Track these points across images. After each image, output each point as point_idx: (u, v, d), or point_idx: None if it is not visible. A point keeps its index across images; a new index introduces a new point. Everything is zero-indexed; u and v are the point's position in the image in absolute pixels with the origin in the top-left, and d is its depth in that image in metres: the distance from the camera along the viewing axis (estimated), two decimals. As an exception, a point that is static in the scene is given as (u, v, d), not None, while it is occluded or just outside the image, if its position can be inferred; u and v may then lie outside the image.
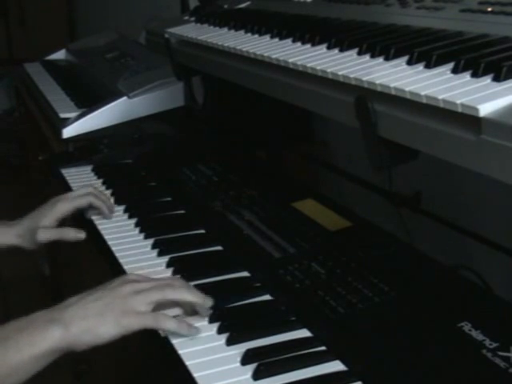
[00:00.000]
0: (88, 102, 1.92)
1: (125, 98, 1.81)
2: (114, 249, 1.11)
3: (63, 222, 1.21)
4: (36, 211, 1.19)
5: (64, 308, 0.85)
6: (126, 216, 1.24)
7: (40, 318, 0.83)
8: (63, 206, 1.19)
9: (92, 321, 0.83)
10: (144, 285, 0.88)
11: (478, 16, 0.88)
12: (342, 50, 0.90)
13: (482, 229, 1.20)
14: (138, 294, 0.86)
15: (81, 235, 1.16)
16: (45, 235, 1.16)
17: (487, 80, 0.68)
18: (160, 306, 0.88)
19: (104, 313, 0.84)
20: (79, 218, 1.25)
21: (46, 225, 1.16)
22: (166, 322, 0.85)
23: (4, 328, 0.82)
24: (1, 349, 0.80)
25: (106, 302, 0.85)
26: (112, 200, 1.30)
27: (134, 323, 0.84)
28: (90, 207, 1.23)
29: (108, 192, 1.37)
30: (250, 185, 1.31)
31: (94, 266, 1.33)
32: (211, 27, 1.29)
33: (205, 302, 0.88)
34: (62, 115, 1.88)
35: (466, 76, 0.70)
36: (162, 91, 1.82)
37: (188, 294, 0.88)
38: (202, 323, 0.88)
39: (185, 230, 1.17)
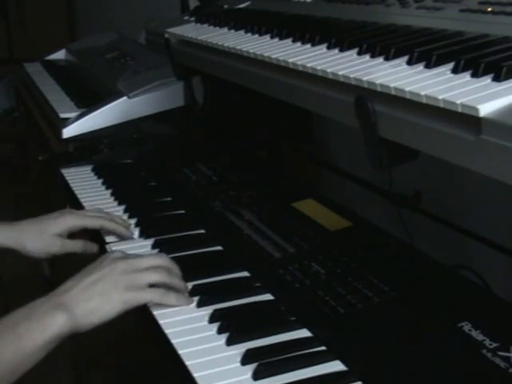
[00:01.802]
0: (88, 102, 1.92)
1: (125, 98, 1.81)
2: (114, 249, 1.11)
3: (71, 236, 1.15)
4: (42, 217, 1.14)
5: (64, 293, 0.87)
6: (126, 216, 1.24)
7: (44, 305, 0.85)
8: (72, 219, 1.13)
9: (97, 301, 0.86)
10: (139, 263, 0.92)
11: (478, 16, 0.88)
12: (342, 50, 0.90)
13: (482, 229, 1.20)
14: (137, 272, 0.90)
15: (94, 249, 1.15)
16: (60, 246, 1.12)
17: (487, 80, 0.68)
18: None
19: (108, 291, 0.87)
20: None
21: (54, 233, 1.11)
22: (169, 297, 0.90)
23: (10, 317, 0.84)
24: (14, 336, 0.82)
25: (106, 281, 0.88)
26: (128, 222, 1.19)
27: (139, 297, 0.88)
28: (104, 230, 1.15)
29: (108, 192, 1.38)
30: (249, 185, 1.31)
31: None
32: (211, 27, 1.29)
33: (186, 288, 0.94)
34: (62, 115, 1.88)
35: (466, 76, 0.70)
36: (162, 91, 1.81)
37: (180, 282, 0.94)
38: (202, 323, 0.88)
39: (185, 230, 1.17)
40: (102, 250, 1.14)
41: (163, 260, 0.97)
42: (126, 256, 0.95)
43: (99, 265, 0.91)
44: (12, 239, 1.10)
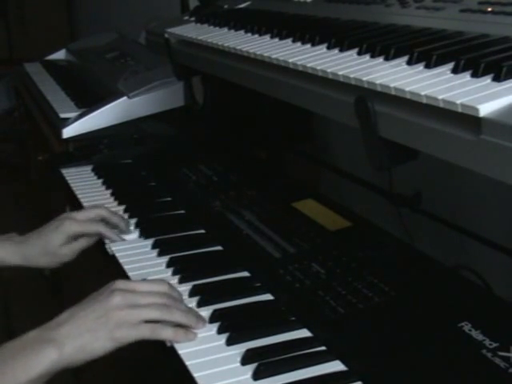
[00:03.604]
0: (88, 102, 1.92)
1: (125, 98, 1.81)
2: (113, 249, 1.11)
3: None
4: (43, 230, 1.14)
5: (56, 327, 0.83)
6: (126, 216, 1.24)
7: (34, 340, 0.82)
8: (71, 226, 1.13)
9: (86, 338, 0.82)
10: (138, 298, 0.86)
11: (478, 16, 0.88)
12: (341, 50, 0.90)
13: (482, 229, 1.20)
14: (133, 308, 0.84)
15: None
16: (70, 253, 1.14)
17: (487, 80, 0.67)
18: None
19: (96, 328, 0.82)
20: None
21: (60, 244, 1.13)
22: (162, 332, 0.84)
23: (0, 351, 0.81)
24: None
25: (97, 316, 0.83)
26: (126, 217, 1.22)
27: (129, 335, 0.83)
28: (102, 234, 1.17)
29: (108, 192, 1.38)
30: (249, 185, 1.31)
31: (93, 266, 1.33)
32: (211, 27, 1.29)
33: (197, 325, 0.86)
34: (62, 115, 1.88)
35: (466, 76, 0.70)
36: (162, 91, 1.82)
37: (183, 317, 0.86)
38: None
39: (185, 230, 1.17)
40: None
41: (165, 291, 0.90)
42: (126, 287, 0.87)
43: (96, 297, 0.86)
44: (21, 258, 1.13)
